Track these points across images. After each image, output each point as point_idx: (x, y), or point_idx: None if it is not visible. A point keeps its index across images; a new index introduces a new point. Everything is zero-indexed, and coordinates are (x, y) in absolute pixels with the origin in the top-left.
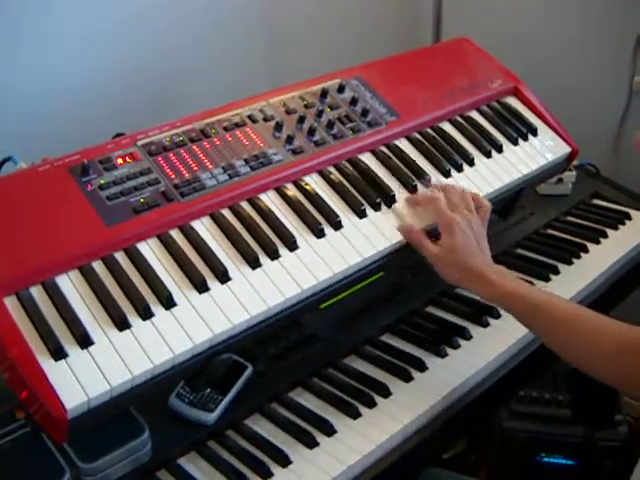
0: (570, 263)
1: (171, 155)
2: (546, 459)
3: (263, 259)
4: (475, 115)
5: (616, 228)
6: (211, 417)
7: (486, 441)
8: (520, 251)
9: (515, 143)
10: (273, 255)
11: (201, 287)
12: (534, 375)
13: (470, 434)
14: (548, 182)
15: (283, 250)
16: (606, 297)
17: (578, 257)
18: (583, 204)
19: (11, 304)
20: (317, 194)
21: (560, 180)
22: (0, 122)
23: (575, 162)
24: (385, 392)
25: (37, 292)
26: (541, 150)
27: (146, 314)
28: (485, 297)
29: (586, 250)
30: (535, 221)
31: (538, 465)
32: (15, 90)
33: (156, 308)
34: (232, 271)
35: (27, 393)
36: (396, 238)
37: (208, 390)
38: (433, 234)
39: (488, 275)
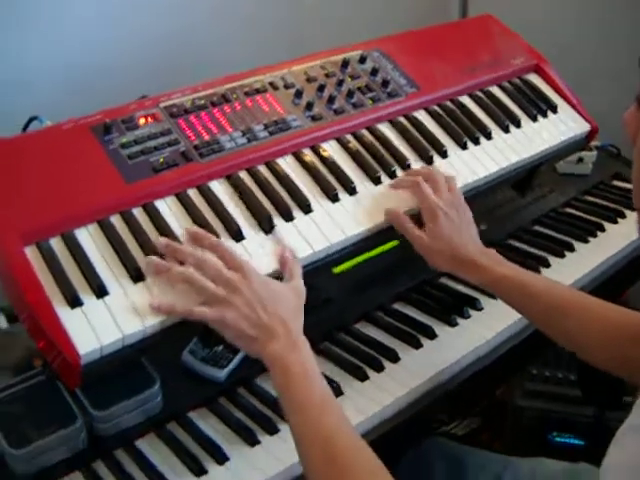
0: (586, 241)
1: (192, 117)
2: (557, 438)
3: (277, 220)
4: (495, 90)
5: (634, 209)
6: (222, 374)
7: (499, 419)
8: (537, 228)
9: (534, 119)
10: (287, 217)
11: None
12: (544, 348)
13: (484, 411)
14: (568, 161)
15: (297, 212)
16: (620, 276)
17: (595, 235)
18: (603, 184)
19: (31, 254)
20: (334, 160)
21: (580, 160)
22: (28, 85)
23: (597, 143)
24: (394, 357)
25: (56, 243)
26: (559, 127)
27: None
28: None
29: (603, 229)
30: (554, 199)
31: (550, 444)
32: (43, 54)
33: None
34: (246, 231)
35: (45, 342)
36: (409, 206)
37: (220, 347)
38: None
39: (477, 260)
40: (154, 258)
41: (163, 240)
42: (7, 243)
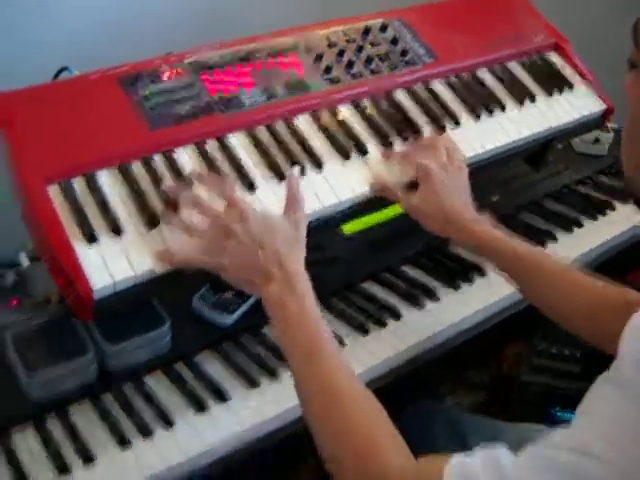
0: (595, 218)
1: (215, 73)
2: (559, 414)
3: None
4: (513, 65)
5: None
6: (229, 320)
7: (506, 393)
8: (548, 202)
9: (550, 95)
10: (300, 172)
11: None
12: (542, 321)
13: (490, 386)
14: (585, 141)
15: (310, 168)
16: (627, 255)
17: (604, 214)
18: (617, 165)
19: (54, 192)
20: (348, 122)
21: (597, 140)
22: (60, 38)
23: (614, 125)
24: (396, 315)
25: (78, 184)
26: (574, 104)
27: (175, 210)
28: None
29: (613, 208)
30: (567, 176)
31: (553, 420)
32: (75, 10)
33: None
34: (260, 183)
35: (62, 279)
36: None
37: (230, 295)
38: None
39: (469, 225)
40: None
41: (170, 184)
42: (31, 182)
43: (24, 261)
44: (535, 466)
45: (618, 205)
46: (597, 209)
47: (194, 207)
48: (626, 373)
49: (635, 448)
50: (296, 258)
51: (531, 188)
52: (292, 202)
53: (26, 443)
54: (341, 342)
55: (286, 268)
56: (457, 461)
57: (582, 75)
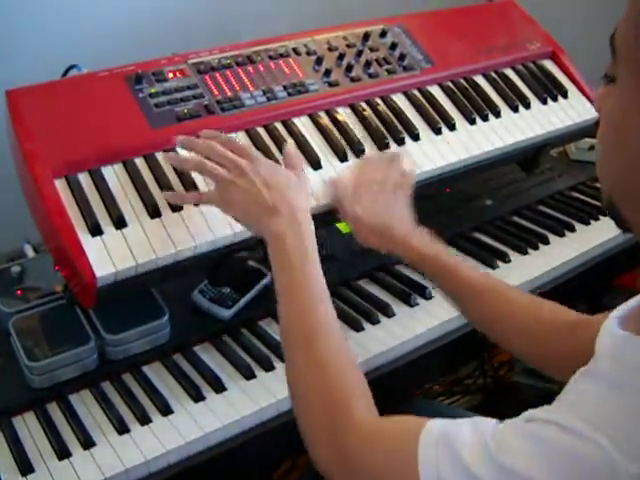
0: (587, 223)
1: (217, 75)
2: None
3: None
4: (509, 72)
5: None
6: (228, 313)
7: (500, 397)
8: (541, 207)
9: (544, 102)
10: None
11: None
12: None
13: (485, 389)
14: (580, 148)
15: (308, 168)
16: (619, 258)
17: (596, 219)
18: None
19: (60, 186)
20: (346, 124)
21: (592, 147)
22: (70, 37)
23: None
24: (389, 313)
25: (84, 178)
26: (568, 111)
27: (176, 206)
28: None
29: (606, 214)
30: (562, 183)
31: None
32: (88, 12)
33: None
34: None
35: (68, 270)
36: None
37: (228, 290)
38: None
39: (407, 239)
40: (171, 154)
41: (180, 137)
42: (39, 175)
43: (29, 253)
44: (517, 434)
45: None
46: (589, 214)
47: (206, 152)
48: (602, 367)
49: (614, 430)
50: (302, 202)
51: (525, 194)
52: (293, 164)
53: (28, 429)
54: None
55: (294, 206)
56: (439, 423)
57: (576, 83)
